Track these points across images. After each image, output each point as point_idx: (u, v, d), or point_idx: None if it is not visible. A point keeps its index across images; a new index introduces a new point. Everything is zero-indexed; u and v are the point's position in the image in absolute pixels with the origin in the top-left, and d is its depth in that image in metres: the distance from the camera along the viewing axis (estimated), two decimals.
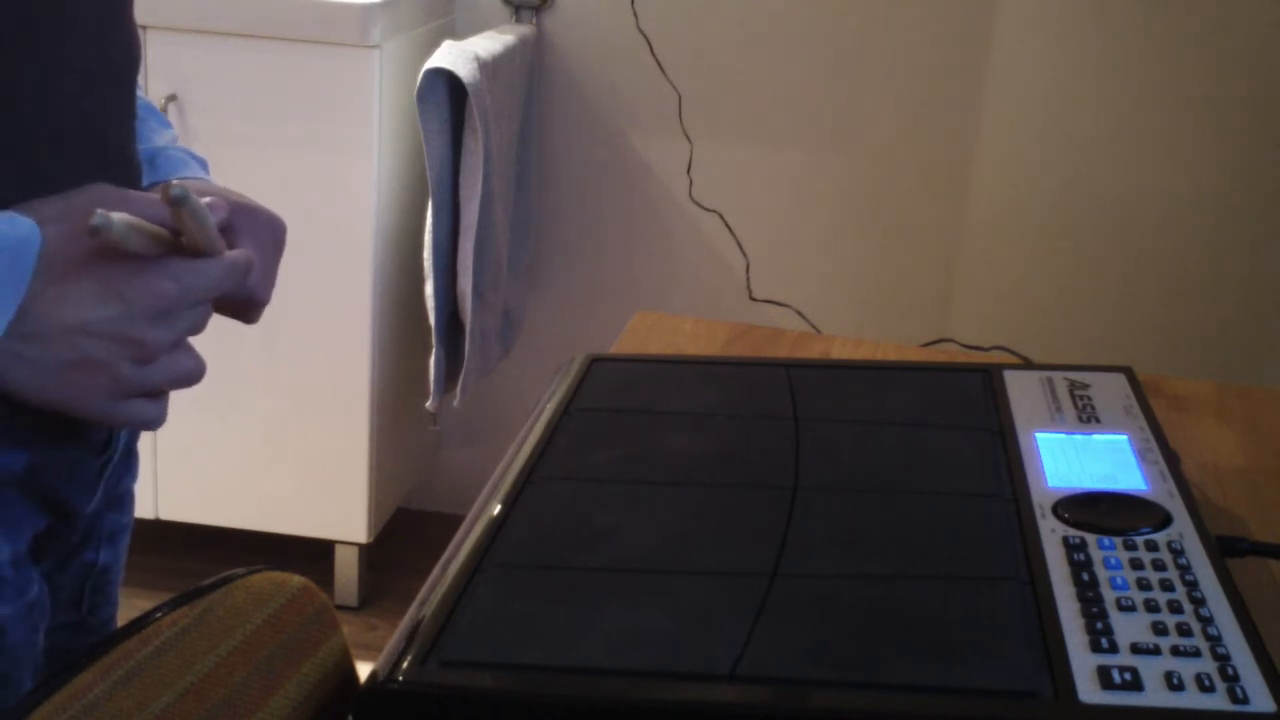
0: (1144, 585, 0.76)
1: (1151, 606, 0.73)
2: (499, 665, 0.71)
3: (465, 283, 2.18)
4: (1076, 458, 0.92)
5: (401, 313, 2.30)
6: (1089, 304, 2.43)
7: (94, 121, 0.79)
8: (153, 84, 2.10)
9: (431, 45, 2.17)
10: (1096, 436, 0.95)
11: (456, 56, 2.06)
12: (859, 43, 2.36)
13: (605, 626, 0.73)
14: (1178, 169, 2.34)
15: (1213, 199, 2.35)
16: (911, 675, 0.69)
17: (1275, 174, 2.32)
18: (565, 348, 1.53)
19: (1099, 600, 0.74)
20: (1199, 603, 0.74)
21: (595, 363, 1.09)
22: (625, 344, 1.31)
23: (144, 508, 2.25)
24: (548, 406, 1.01)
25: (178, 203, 0.71)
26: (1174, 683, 0.67)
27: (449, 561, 0.80)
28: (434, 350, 2.22)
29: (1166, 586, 0.75)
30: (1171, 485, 0.88)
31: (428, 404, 2.27)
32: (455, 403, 2.29)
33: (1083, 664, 0.69)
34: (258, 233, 0.82)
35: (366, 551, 2.40)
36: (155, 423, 0.76)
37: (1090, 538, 0.81)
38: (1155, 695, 0.67)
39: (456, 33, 2.41)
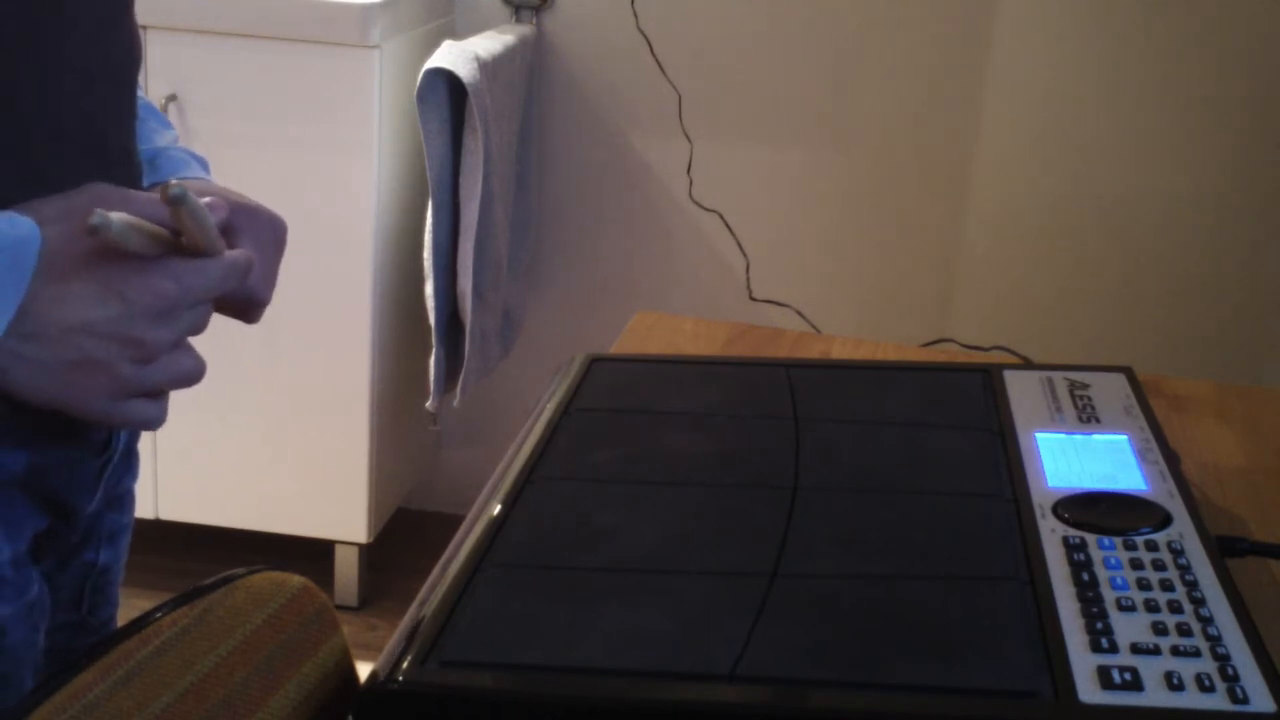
0: (1144, 585, 0.76)
1: (1151, 606, 0.73)
2: (499, 665, 0.71)
3: (465, 283, 2.18)
4: (1076, 458, 0.92)
5: (401, 313, 2.30)
6: (1089, 304, 2.43)
7: (94, 121, 0.79)
8: (153, 84, 2.10)
9: (431, 45, 2.17)
10: (1096, 436, 0.95)
11: (456, 56, 2.06)
12: (859, 43, 2.36)
13: (605, 626, 0.73)
14: (1178, 169, 2.34)
15: (1213, 199, 2.35)
16: (911, 675, 0.69)
17: (1275, 174, 2.32)
18: (565, 348, 1.54)
19: (1099, 600, 0.74)
20: (1199, 603, 0.74)
21: (595, 363, 1.09)
22: (625, 344, 1.31)
23: (144, 508, 2.25)
24: (548, 406, 1.01)
25: (176, 202, 0.71)
26: (1174, 683, 0.67)
27: (449, 561, 0.80)
28: (434, 350, 2.22)
29: (1166, 586, 0.75)
30: (1171, 485, 0.88)
31: (428, 404, 2.27)
32: (455, 403, 2.29)
33: (1083, 664, 0.69)
34: (258, 233, 0.82)
35: (366, 551, 2.40)
36: (155, 423, 0.76)
37: (1090, 538, 0.81)
38: (1155, 695, 0.67)
39: (456, 33, 2.41)
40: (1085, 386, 1.04)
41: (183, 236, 0.74)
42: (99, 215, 0.68)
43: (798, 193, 2.45)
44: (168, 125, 0.95)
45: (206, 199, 0.77)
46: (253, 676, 0.68)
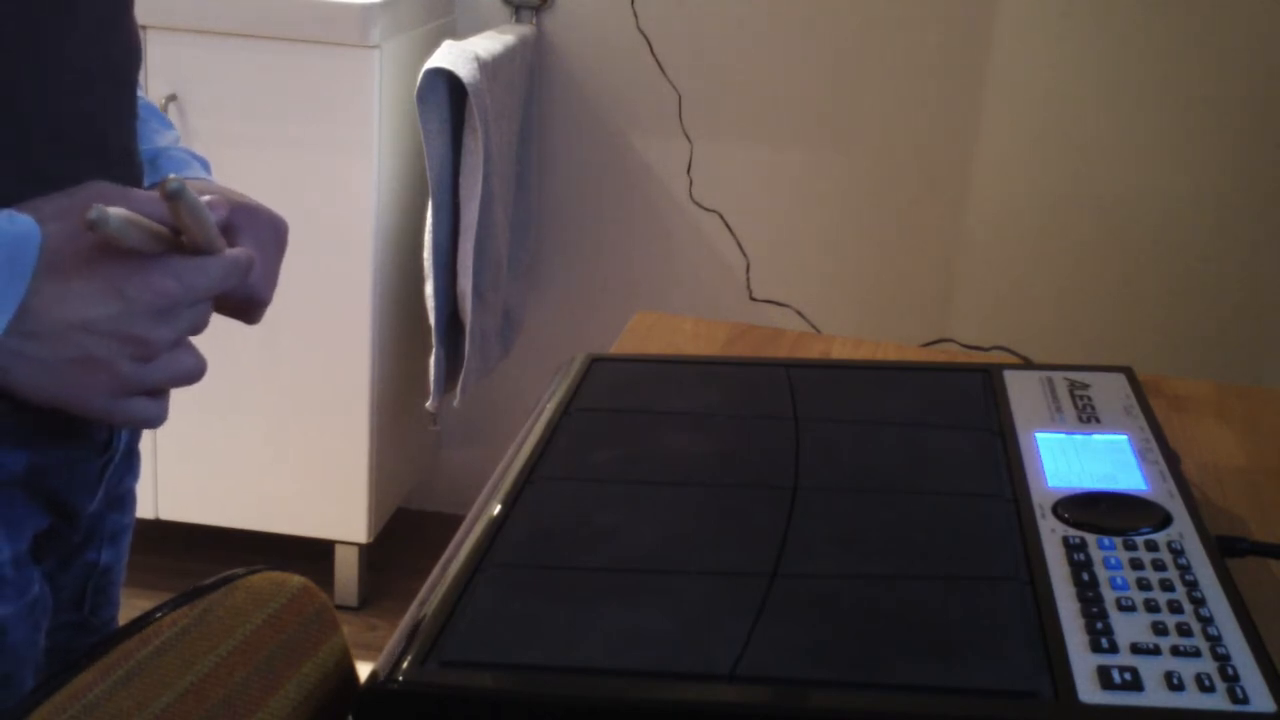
0: (1144, 585, 0.76)
1: (1151, 606, 0.73)
2: (499, 665, 0.71)
3: (465, 283, 2.18)
4: (1076, 458, 0.92)
5: (401, 313, 2.30)
6: (1089, 304, 2.43)
7: (94, 121, 0.79)
8: (153, 84, 2.10)
9: (431, 45, 2.17)
10: (1096, 436, 0.95)
11: (456, 56, 2.06)
12: (859, 43, 2.36)
13: (605, 626, 0.73)
14: (1178, 169, 2.34)
15: (1213, 199, 2.35)
16: (911, 675, 0.69)
17: (1275, 174, 2.32)
18: (565, 348, 1.53)
19: (1099, 600, 0.74)
20: (1199, 603, 0.74)
21: (595, 363, 1.09)
22: (625, 344, 1.31)
23: (144, 508, 2.25)
24: (548, 406, 1.01)
25: (174, 196, 0.71)
26: (1174, 683, 0.67)
27: (449, 561, 0.80)
28: (434, 350, 2.22)
29: (1166, 586, 0.75)
30: (1171, 485, 0.88)
31: (428, 404, 2.27)
32: (455, 403, 2.29)
33: (1083, 664, 0.69)
34: (259, 232, 0.82)
35: (366, 551, 2.40)
36: (156, 421, 0.76)
37: (1090, 538, 0.81)
38: (1155, 695, 0.67)
39: (456, 33, 2.41)
40: (1085, 386, 1.04)
41: (183, 235, 0.73)
42: (97, 210, 0.68)
43: (798, 193, 2.45)
44: (169, 125, 0.95)
45: (207, 198, 0.77)
46: (253, 676, 0.68)
